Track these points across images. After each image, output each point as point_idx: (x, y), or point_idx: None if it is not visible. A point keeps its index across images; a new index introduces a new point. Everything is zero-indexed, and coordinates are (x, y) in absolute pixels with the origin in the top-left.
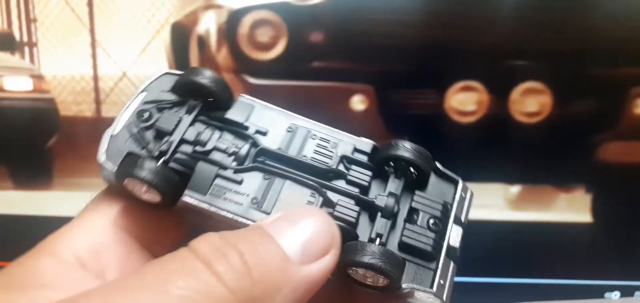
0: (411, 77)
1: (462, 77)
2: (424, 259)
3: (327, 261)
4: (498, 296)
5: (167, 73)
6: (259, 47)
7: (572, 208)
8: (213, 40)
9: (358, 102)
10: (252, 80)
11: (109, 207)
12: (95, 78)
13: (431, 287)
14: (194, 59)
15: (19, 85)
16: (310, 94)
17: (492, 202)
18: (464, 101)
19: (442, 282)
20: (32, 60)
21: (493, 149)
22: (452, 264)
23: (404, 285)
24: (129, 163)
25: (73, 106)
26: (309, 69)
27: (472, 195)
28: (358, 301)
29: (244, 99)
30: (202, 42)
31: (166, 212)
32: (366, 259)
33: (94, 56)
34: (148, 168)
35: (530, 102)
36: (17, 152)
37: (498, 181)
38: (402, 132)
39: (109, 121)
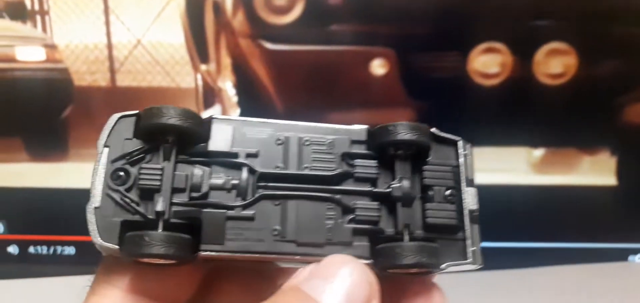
0: (433, 39)
1: (485, 38)
2: (451, 233)
3: None
4: (521, 261)
5: (121, 117)
6: (276, 10)
7: (596, 171)
8: (229, 4)
9: (378, 67)
10: (269, 45)
11: (120, 276)
12: (109, 46)
13: (466, 258)
14: (209, 25)
15: (31, 55)
16: (328, 58)
17: (516, 166)
18: (487, 63)
19: (474, 248)
20: (44, 29)
21: (516, 112)
22: (476, 227)
23: (442, 267)
24: (132, 241)
25: (87, 76)
26: (327, 33)
27: (471, 148)
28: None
29: (218, 120)
30: (218, 7)
31: (168, 279)
32: (409, 261)
33: (107, 23)
34: (155, 241)
35: (554, 63)
36: (32, 123)
37: (521, 144)
38: (424, 96)
39: (124, 91)
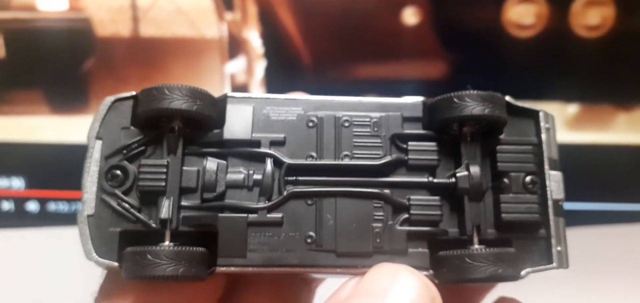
0: None
1: None
2: (531, 231)
3: None
4: None
5: (117, 100)
6: None
7: (632, 128)
8: None
9: (410, 15)
10: None
11: (124, 295)
12: None
13: (550, 261)
14: None
15: (53, 4)
16: (358, 6)
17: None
18: (523, 13)
19: (559, 248)
20: None
21: (551, 66)
22: (562, 220)
23: (522, 274)
24: (133, 261)
25: (109, 25)
26: None
27: (554, 119)
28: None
29: (234, 99)
30: None
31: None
32: (481, 275)
33: None
34: (160, 259)
35: (592, 14)
36: (53, 75)
37: (556, 99)
38: (457, 48)
39: (147, 41)
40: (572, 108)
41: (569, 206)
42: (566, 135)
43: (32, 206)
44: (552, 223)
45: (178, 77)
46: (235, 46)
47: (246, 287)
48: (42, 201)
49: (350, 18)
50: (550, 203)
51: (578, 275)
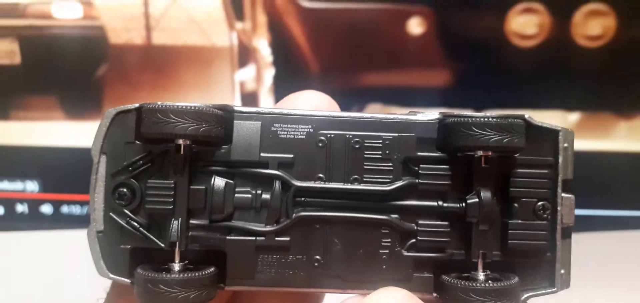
0: None
1: None
2: (537, 256)
3: None
4: None
5: (119, 113)
6: None
7: (632, 136)
8: None
9: (415, 26)
10: (305, 3)
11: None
12: (146, 3)
13: (553, 285)
14: None
15: (68, 12)
16: (365, 17)
17: None
18: (526, 23)
19: (563, 271)
20: None
21: (553, 75)
22: (568, 242)
23: (522, 299)
24: (144, 288)
25: (123, 33)
26: None
27: (573, 135)
28: None
29: (241, 115)
30: None
31: None
32: None
33: None
34: (171, 288)
35: (593, 25)
36: (67, 81)
37: (557, 108)
38: (461, 57)
39: (160, 49)
40: (574, 116)
41: None
42: None
43: (46, 209)
44: (558, 248)
45: (189, 85)
46: (245, 55)
47: (254, 293)
48: (56, 204)
49: (357, 28)
50: (559, 227)
51: (578, 280)
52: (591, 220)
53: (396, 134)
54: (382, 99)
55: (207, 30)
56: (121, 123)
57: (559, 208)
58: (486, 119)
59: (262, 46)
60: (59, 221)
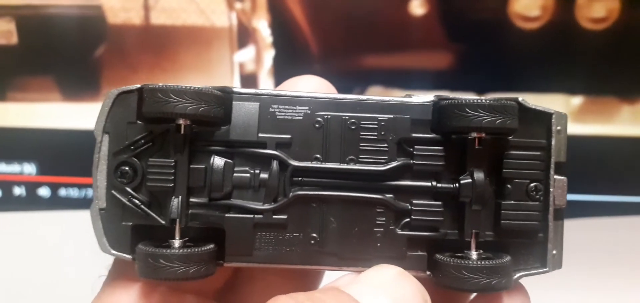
0: None
1: None
2: (529, 236)
3: None
4: None
5: (121, 93)
6: None
7: (635, 121)
8: None
9: (417, 6)
10: None
11: (128, 286)
12: None
13: (544, 265)
14: None
15: None
16: None
17: None
18: (529, 5)
19: (555, 252)
20: None
21: (556, 58)
22: (561, 224)
23: (515, 278)
24: (146, 263)
25: (121, 13)
26: None
27: (566, 119)
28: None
29: (240, 96)
30: None
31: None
32: (474, 287)
33: None
34: (172, 262)
35: (597, 7)
36: (65, 62)
37: (560, 91)
38: (463, 39)
39: (158, 29)
40: (577, 100)
41: (571, 197)
42: (570, 127)
43: (44, 192)
44: (550, 229)
45: (188, 66)
46: (244, 35)
47: (251, 280)
48: (54, 187)
49: (358, 9)
50: (551, 209)
51: (580, 265)
52: (593, 205)
53: (391, 116)
54: (383, 82)
55: (206, 10)
56: (123, 104)
57: (551, 189)
58: (479, 101)
59: (262, 26)
60: (56, 204)
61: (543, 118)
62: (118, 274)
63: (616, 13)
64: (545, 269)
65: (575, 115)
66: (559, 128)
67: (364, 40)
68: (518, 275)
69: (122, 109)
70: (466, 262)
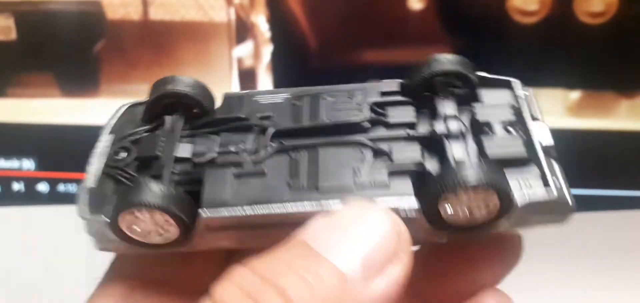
0: None
1: None
2: (519, 165)
3: (397, 273)
4: None
5: (131, 105)
6: None
7: (634, 115)
8: None
9: (415, 1)
10: None
11: (129, 267)
12: None
13: (548, 184)
14: None
15: None
16: None
17: (551, 109)
18: None
19: (557, 182)
20: None
21: (554, 52)
22: (556, 163)
23: (518, 201)
24: (126, 195)
25: (120, 9)
26: None
27: (531, 91)
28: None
29: (230, 94)
30: None
31: (183, 266)
32: (474, 179)
33: None
34: (153, 191)
35: (596, 1)
36: (64, 57)
37: (558, 86)
38: (461, 34)
39: (157, 25)
40: (574, 95)
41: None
42: (568, 121)
43: (42, 187)
44: (542, 158)
45: (186, 61)
46: (242, 31)
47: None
48: (53, 182)
49: (356, 3)
50: (536, 143)
51: (579, 260)
52: (592, 200)
53: (361, 88)
54: (382, 76)
55: (205, 5)
56: (129, 113)
57: (530, 127)
58: (437, 55)
59: (261, 21)
60: (55, 199)
61: (505, 85)
62: (113, 275)
63: (615, 7)
64: (552, 194)
65: (573, 109)
66: (525, 92)
67: (362, 35)
68: (522, 198)
69: (128, 116)
70: (462, 164)
